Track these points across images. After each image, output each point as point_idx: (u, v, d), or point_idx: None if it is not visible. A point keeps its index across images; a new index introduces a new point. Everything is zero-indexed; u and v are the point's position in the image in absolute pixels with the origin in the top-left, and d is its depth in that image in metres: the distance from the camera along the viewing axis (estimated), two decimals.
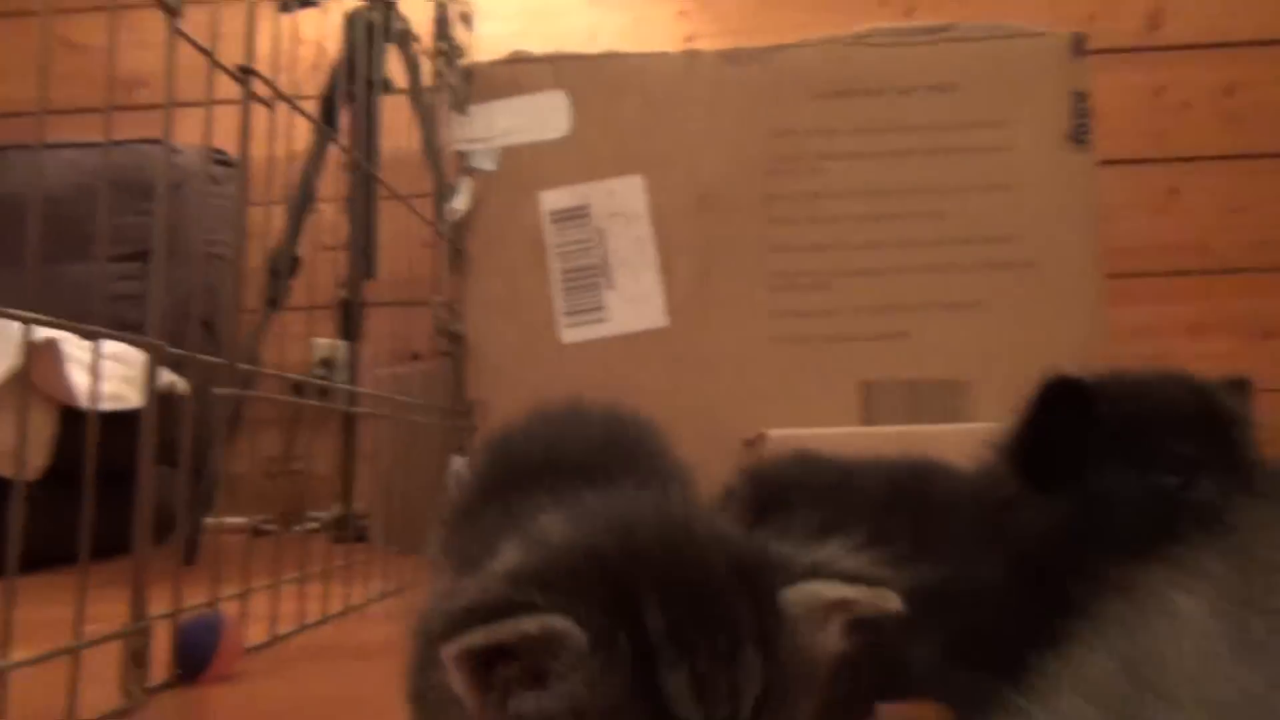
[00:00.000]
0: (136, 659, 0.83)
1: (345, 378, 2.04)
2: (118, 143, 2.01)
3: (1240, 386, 0.61)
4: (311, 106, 1.78)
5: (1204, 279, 2.42)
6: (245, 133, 1.05)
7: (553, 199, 1.59)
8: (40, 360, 1.59)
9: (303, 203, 1.80)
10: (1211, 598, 0.27)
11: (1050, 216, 1.55)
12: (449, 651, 0.38)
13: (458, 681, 0.39)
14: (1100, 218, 1.54)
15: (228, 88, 0.99)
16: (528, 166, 1.59)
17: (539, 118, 1.60)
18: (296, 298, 1.92)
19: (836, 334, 1.56)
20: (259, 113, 1.05)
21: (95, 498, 0.80)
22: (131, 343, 0.87)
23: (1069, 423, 0.59)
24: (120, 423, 1.02)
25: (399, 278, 2.03)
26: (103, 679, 0.83)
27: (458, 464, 1.54)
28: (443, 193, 1.69)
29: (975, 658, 0.56)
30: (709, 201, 1.58)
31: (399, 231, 1.84)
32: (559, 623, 0.37)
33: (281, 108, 1.08)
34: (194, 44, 0.92)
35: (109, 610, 0.83)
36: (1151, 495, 0.56)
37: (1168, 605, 0.28)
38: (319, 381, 1.51)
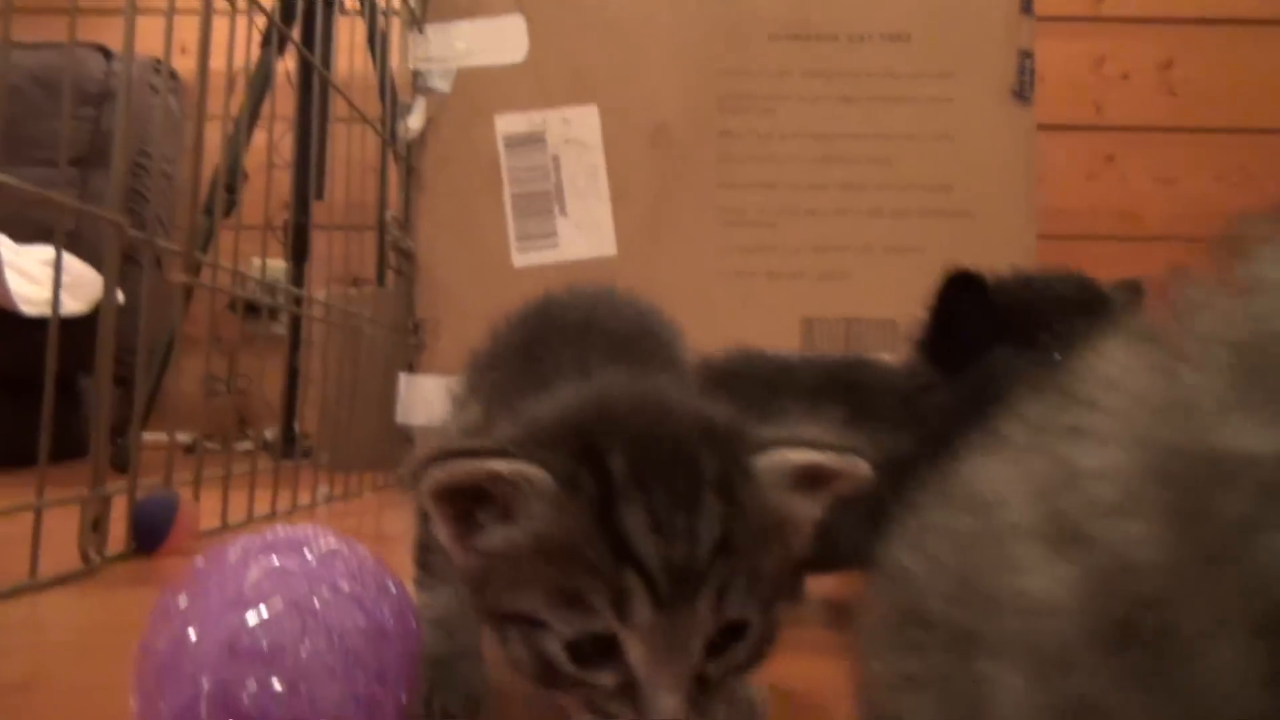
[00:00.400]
0: (96, 525, 0.84)
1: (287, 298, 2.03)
2: (52, 45, 1.97)
3: (1134, 286, 0.67)
4: (261, 23, 1.76)
5: (1134, 245, 2.50)
6: (206, 29, 1.05)
7: (508, 123, 1.59)
8: None
9: (251, 115, 1.79)
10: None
11: (990, 169, 1.59)
12: (425, 483, 0.41)
13: (433, 511, 0.42)
14: (1038, 179, 1.60)
15: None
16: (483, 89, 1.59)
17: (497, 41, 1.60)
18: (245, 217, 1.90)
19: (781, 270, 1.59)
20: (205, 24, 1.05)
21: (35, 403, 0.81)
22: (94, 216, 0.88)
23: (969, 312, 0.64)
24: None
25: (347, 201, 2.02)
26: (64, 551, 0.85)
27: (405, 381, 1.56)
28: (396, 113, 1.69)
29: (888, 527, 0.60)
30: (662, 135, 1.60)
31: (347, 156, 1.83)
32: (528, 467, 0.40)
33: (231, 19, 1.08)
34: None
35: (63, 506, 0.85)
36: (1037, 369, 0.61)
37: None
38: (268, 301, 1.51)
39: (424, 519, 0.49)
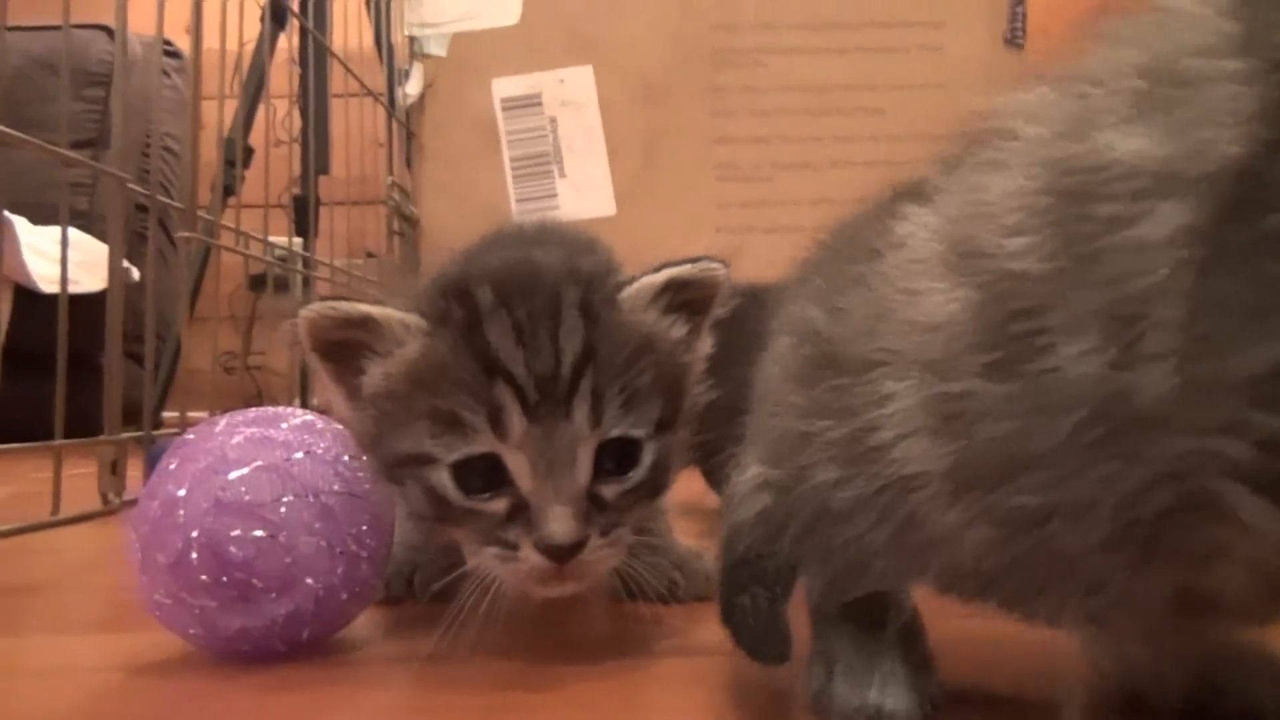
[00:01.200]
0: (114, 468, 0.88)
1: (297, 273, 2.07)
2: (55, 27, 2.00)
3: None
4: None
5: None
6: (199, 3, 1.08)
7: (505, 86, 1.62)
8: None
9: (255, 90, 1.82)
10: None
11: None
12: (300, 326, 0.44)
13: (317, 367, 0.46)
14: None
15: None
16: (479, 54, 1.62)
17: (490, 4, 1.63)
18: (251, 194, 1.94)
19: (777, 224, 1.61)
20: (210, 3, 1.09)
21: (54, 378, 0.85)
22: (97, 173, 0.91)
23: None
24: (73, 307, 0.99)
25: (351, 176, 2.05)
26: (87, 501, 0.89)
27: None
28: (397, 81, 1.72)
29: None
30: (655, 93, 1.62)
31: (349, 130, 1.86)
32: (396, 311, 0.44)
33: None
34: None
35: (84, 460, 0.89)
36: None
37: None
38: (280, 262, 1.55)
39: None
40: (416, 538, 0.53)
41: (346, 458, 0.43)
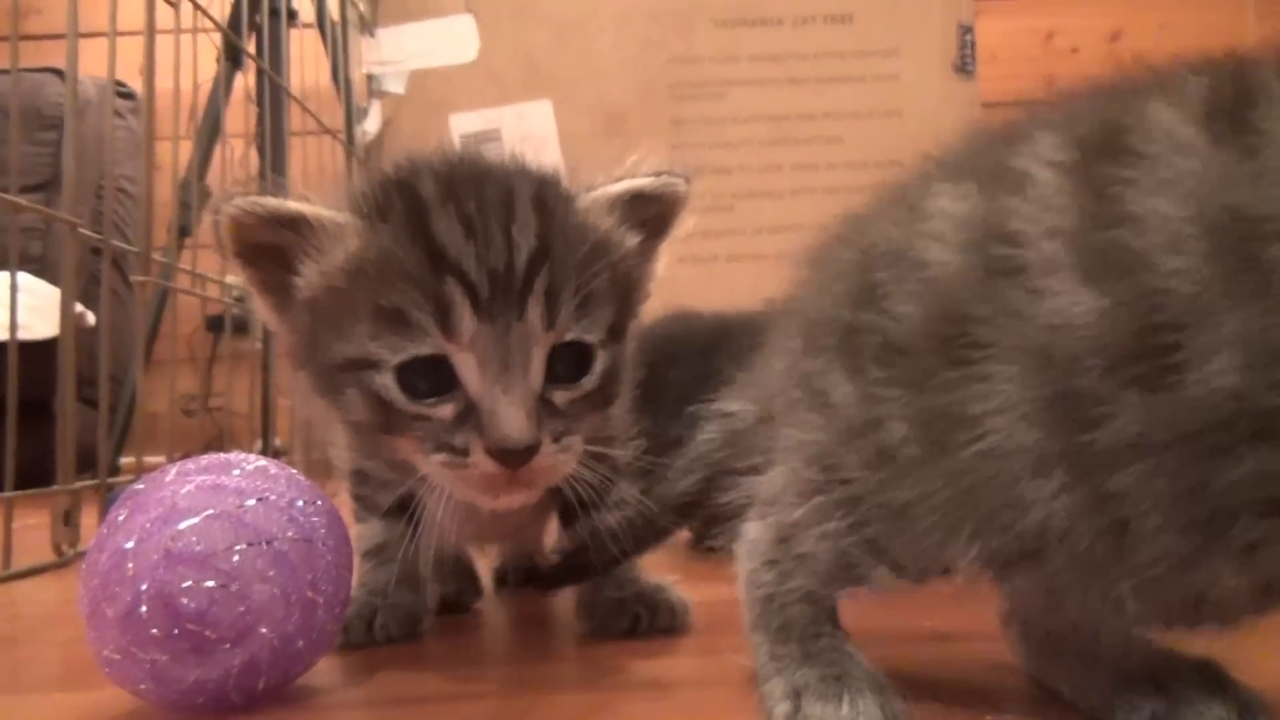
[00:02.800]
0: (67, 519, 0.87)
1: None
2: (3, 71, 1.99)
3: None
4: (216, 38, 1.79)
5: None
6: (150, 35, 1.07)
7: (464, 122, 1.62)
8: None
9: (211, 131, 1.81)
10: None
11: (937, 143, 1.63)
12: (219, 220, 0.42)
13: (242, 273, 0.44)
14: None
15: (131, 18, 1.02)
16: (437, 89, 1.62)
17: (448, 41, 1.63)
18: (207, 234, 1.92)
19: (740, 253, 1.63)
20: (164, 44, 1.08)
21: (19, 426, 0.84)
22: (48, 218, 0.90)
23: None
24: (28, 353, 0.97)
25: None
26: (40, 554, 0.87)
27: None
28: (355, 118, 1.71)
29: None
30: (616, 125, 1.63)
31: (308, 168, 1.85)
32: (329, 209, 0.42)
33: (186, 38, 1.11)
34: None
35: (33, 529, 0.87)
36: None
37: None
38: (238, 303, 1.54)
39: (351, 450, 0.51)
40: (380, 575, 0.52)
41: (301, 502, 0.42)
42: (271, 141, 1.95)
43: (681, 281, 1.64)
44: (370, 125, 1.61)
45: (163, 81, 1.12)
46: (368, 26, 1.62)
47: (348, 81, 1.75)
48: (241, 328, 1.91)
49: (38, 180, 1.97)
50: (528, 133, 1.62)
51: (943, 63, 1.65)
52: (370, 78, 1.62)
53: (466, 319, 0.39)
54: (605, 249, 0.45)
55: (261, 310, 0.44)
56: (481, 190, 0.42)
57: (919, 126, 1.63)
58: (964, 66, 1.66)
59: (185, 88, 1.31)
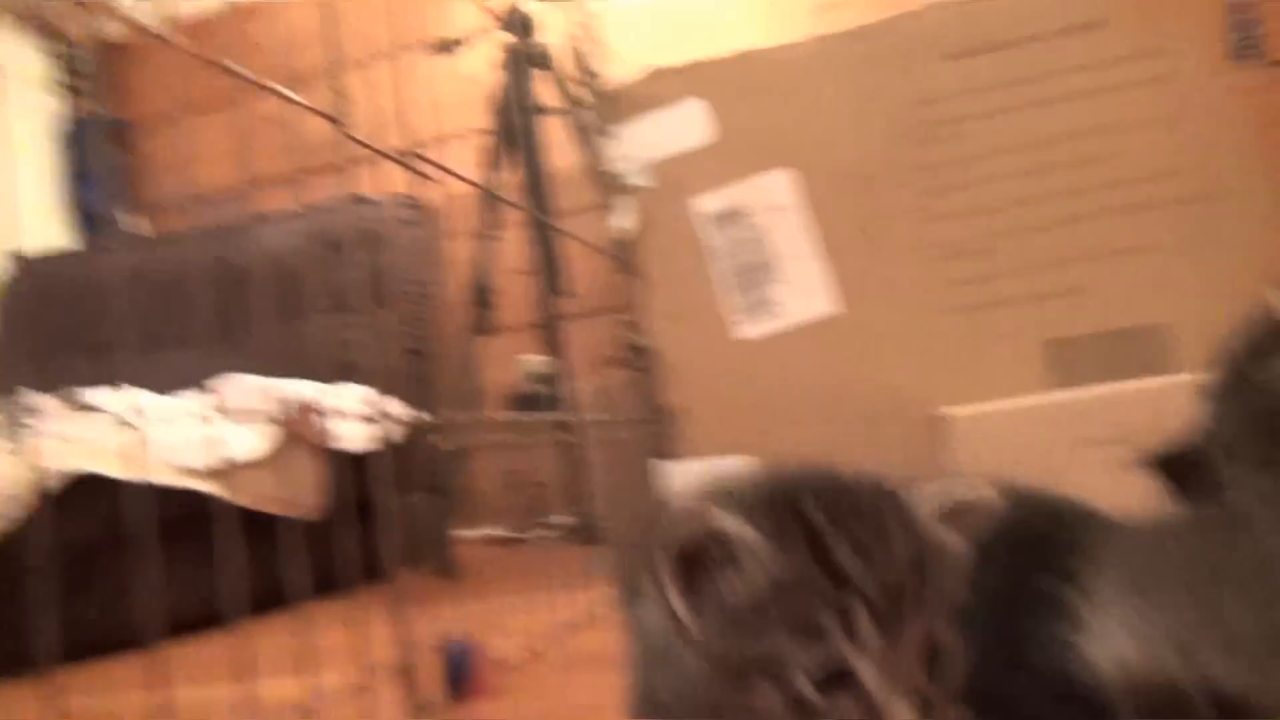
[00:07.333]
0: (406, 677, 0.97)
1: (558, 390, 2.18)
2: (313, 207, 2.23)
3: None
4: (473, 142, 1.92)
5: None
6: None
7: (707, 203, 1.66)
8: (304, 414, 1.81)
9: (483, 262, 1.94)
10: None
11: (1220, 144, 1.48)
12: (658, 552, 0.49)
13: (666, 578, 0.50)
14: None
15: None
16: (680, 175, 1.66)
17: (682, 127, 1.67)
18: (503, 319, 2.07)
19: (1009, 296, 1.55)
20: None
21: (356, 529, 0.95)
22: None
23: None
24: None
25: (589, 288, 2.15)
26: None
27: (664, 467, 1.64)
28: (609, 207, 1.79)
29: None
30: (860, 182, 1.61)
31: (582, 246, 1.95)
32: (739, 525, 0.48)
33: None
34: (362, 144, 1.06)
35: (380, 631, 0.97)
36: None
37: None
38: (525, 416, 1.65)
39: None
40: None
41: None
42: (541, 230, 2.07)
43: (950, 336, 1.60)
44: (624, 221, 1.68)
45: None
46: (604, 126, 1.69)
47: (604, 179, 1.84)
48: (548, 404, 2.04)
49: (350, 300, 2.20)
50: (772, 204, 1.63)
51: (1212, 53, 1.49)
52: (615, 174, 1.69)
53: (865, 628, 0.46)
54: (947, 561, 0.51)
55: (677, 604, 0.50)
56: (863, 520, 0.49)
57: (1193, 130, 1.49)
58: (1240, 52, 1.49)
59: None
